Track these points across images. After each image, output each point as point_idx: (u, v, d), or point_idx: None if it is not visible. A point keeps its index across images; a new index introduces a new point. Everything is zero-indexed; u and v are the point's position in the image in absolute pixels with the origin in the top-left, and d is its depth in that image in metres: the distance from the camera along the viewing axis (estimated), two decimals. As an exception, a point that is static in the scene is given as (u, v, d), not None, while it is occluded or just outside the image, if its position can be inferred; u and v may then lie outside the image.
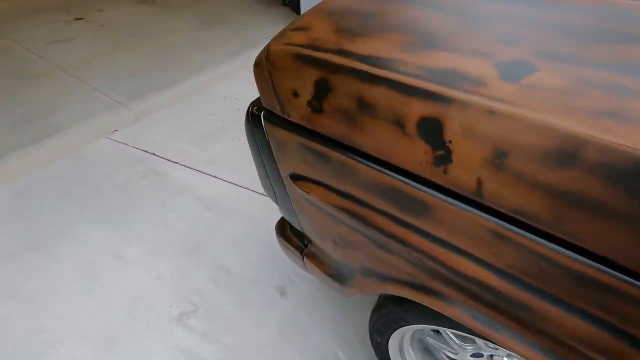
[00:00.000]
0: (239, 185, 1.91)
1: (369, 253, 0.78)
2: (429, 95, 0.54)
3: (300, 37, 0.68)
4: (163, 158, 2.07)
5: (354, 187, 0.70)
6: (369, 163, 0.65)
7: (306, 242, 1.05)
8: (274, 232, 1.16)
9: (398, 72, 0.57)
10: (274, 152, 0.82)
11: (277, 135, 0.78)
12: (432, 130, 0.55)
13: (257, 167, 0.93)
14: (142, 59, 3.09)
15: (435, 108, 0.54)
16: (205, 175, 1.97)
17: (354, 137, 0.65)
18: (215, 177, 1.96)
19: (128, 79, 2.81)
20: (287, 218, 1.03)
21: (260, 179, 0.97)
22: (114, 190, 1.88)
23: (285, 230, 1.11)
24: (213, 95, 2.62)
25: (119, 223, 1.71)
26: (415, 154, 0.58)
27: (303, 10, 3.48)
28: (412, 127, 0.57)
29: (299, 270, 1.51)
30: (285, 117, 0.75)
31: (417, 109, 0.56)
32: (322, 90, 0.66)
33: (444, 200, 0.58)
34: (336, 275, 0.98)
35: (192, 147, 2.16)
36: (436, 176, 0.58)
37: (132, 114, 2.43)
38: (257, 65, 0.76)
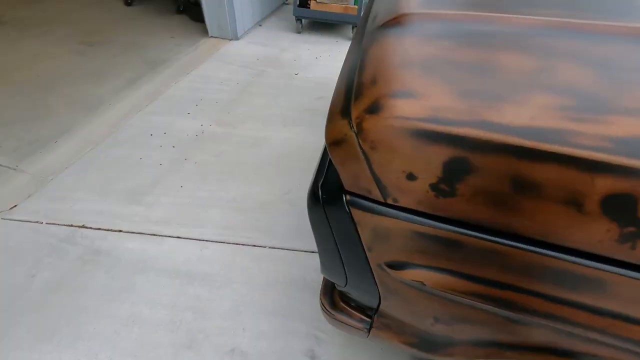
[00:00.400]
0: (211, 241, 1.62)
1: (497, 328, 0.69)
2: (622, 171, 0.46)
3: (412, 107, 0.53)
4: (99, 229, 1.64)
5: (493, 271, 0.60)
6: (521, 245, 0.55)
7: (370, 313, 0.91)
8: (320, 305, 0.99)
9: (575, 145, 0.47)
10: (363, 241, 0.66)
11: (375, 223, 0.62)
12: (621, 208, 0.48)
13: (324, 254, 0.75)
14: (11, 100, 2.39)
15: (629, 183, 0.46)
16: (164, 238, 1.62)
17: (503, 220, 0.54)
18: (179, 238, 1.63)
19: (2, 131, 2.15)
20: (357, 298, 0.87)
21: (326, 264, 0.79)
22: (45, 292, 1.41)
23: (337, 301, 0.95)
24: (132, 134, 2.17)
25: (72, 337, 1.29)
26: (593, 232, 0.50)
27: (208, 18, 3.12)
28: (593, 205, 0.49)
29: (321, 324, 1.35)
30: (389, 202, 0.59)
31: (604, 186, 0.47)
32: (457, 171, 0.53)
33: (627, 276, 0.52)
34: (419, 344, 0.87)
35: (133, 205, 1.75)
36: (619, 253, 0.51)
37: (29, 178, 1.86)
38: (339, 143, 0.58)
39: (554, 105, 0.51)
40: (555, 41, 0.59)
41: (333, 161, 0.61)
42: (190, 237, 1.63)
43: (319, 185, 0.66)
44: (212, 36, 3.22)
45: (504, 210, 0.53)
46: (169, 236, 1.63)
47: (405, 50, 0.63)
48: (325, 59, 3.04)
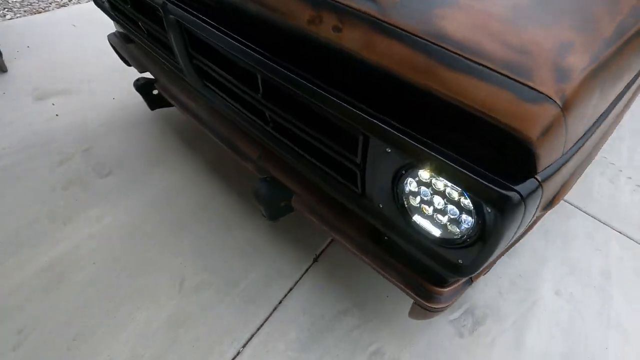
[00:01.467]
0: None
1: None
2: None
3: (579, 57, 0.52)
4: None
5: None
6: None
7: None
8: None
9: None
10: (541, 204, 0.63)
11: (557, 178, 0.60)
12: None
13: (494, 252, 0.66)
14: None
15: None
16: None
17: None
18: None
19: None
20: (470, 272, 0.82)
21: (485, 261, 0.70)
22: None
23: (439, 292, 0.89)
24: None
25: None
26: None
27: None
28: None
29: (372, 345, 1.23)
30: (567, 148, 0.59)
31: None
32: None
33: None
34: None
35: None
36: None
37: None
38: (548, 128, 0.50)
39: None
40: None
41: (539, 150, 0.51)
42: None
43: (509, 190, 0.54)
44: None
45: None
46: None
47: (490, 7, 0.55)
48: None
